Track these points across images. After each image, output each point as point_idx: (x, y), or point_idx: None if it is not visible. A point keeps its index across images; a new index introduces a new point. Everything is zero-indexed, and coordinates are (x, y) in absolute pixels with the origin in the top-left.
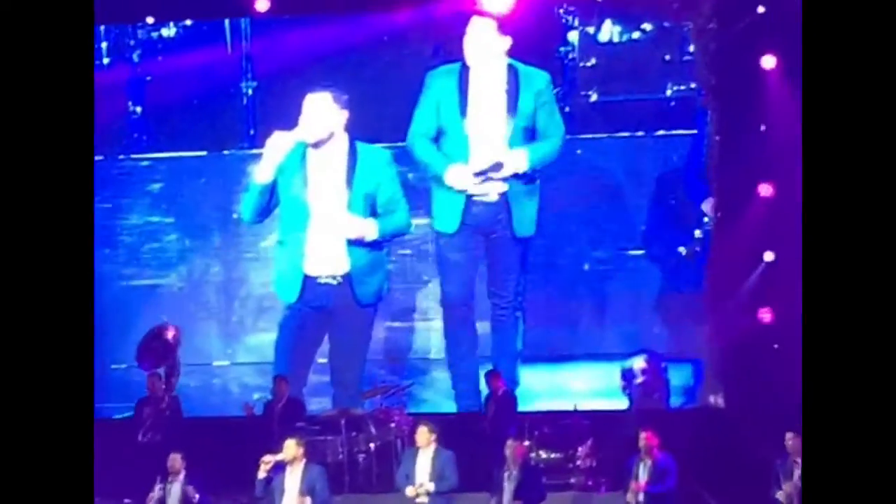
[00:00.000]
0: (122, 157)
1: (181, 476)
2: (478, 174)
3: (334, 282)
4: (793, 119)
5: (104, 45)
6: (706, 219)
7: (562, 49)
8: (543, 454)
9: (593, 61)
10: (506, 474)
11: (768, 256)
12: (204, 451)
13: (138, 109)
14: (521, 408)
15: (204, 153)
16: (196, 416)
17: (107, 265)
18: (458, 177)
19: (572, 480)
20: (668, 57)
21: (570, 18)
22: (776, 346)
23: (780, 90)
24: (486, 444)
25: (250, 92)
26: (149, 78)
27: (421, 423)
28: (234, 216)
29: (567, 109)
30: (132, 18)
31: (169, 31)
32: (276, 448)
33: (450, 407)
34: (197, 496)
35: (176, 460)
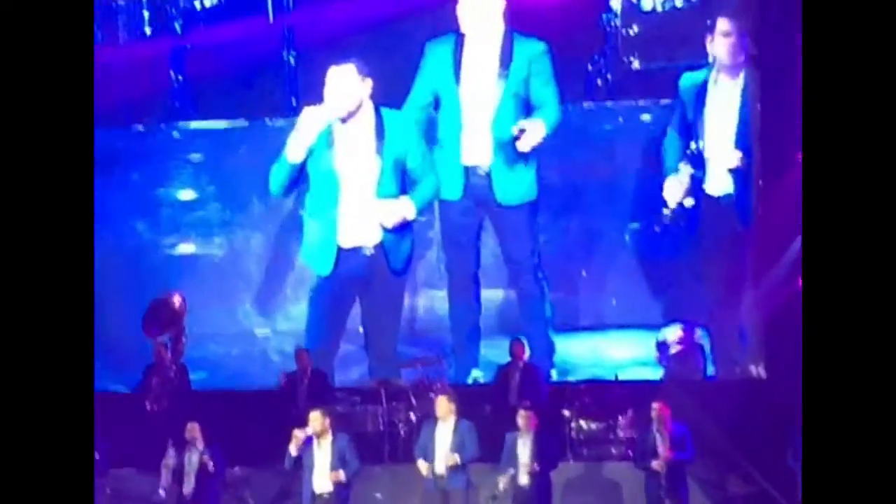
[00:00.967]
0: (163, 126)
1: (199, 446)
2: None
3: (368, 252)
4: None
5: (146, 14)
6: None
7: (604, 16)
8: (584, 424)
9: (635, 29)
10: (520, 442)
11: None
12: (226, 422)
13: (180, 79)
14: (561, 378)
15: (245, 123)
16: (235, 386)
17: (148, 234)
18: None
19: (613, 451)
20: (710, 23)
21: None
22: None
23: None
24: (508, 414)
25: (292, 61)
26: (190, 47)
27: (440, 393)
28: None
29: (609, 77)
30: None
31: (211, 1)
32: (302, 420)
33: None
34: (212, 465)
35: (194, 430)
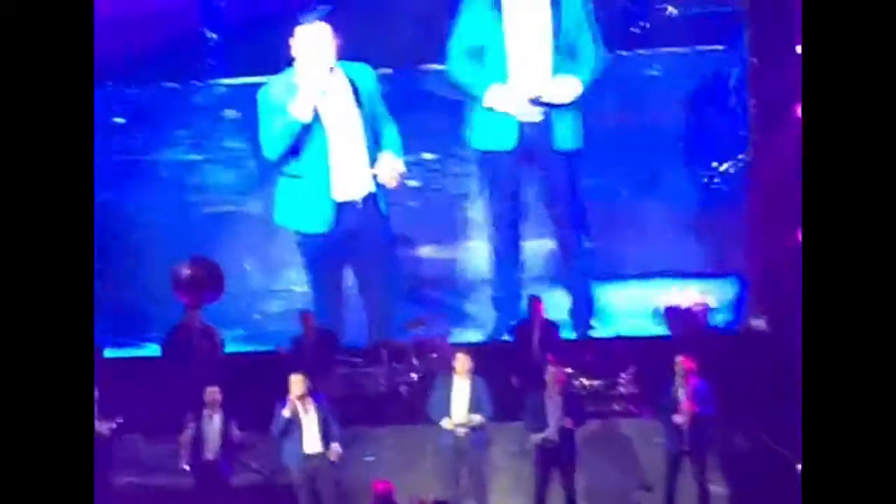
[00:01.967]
0: (197, 83)
1: (219, 410)
2: (533, 101)
3: (359, 205)
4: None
5: None
6: None
7: None
8: (586, 381)
9: None
10: (548, 400)
11: None
12: (231, 387)
13: (213, 36)
14: (604, 327)
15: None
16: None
17: (187, 193)
18: (500, 98)
19: (615, 407)
20: None
21: None
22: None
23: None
24: (527, 371)
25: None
26: (222, 2)
27: (460, 350)
28: None
29: (646, 25)
30: None
31: None
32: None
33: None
34: (237, 431)
35: (214, 393)
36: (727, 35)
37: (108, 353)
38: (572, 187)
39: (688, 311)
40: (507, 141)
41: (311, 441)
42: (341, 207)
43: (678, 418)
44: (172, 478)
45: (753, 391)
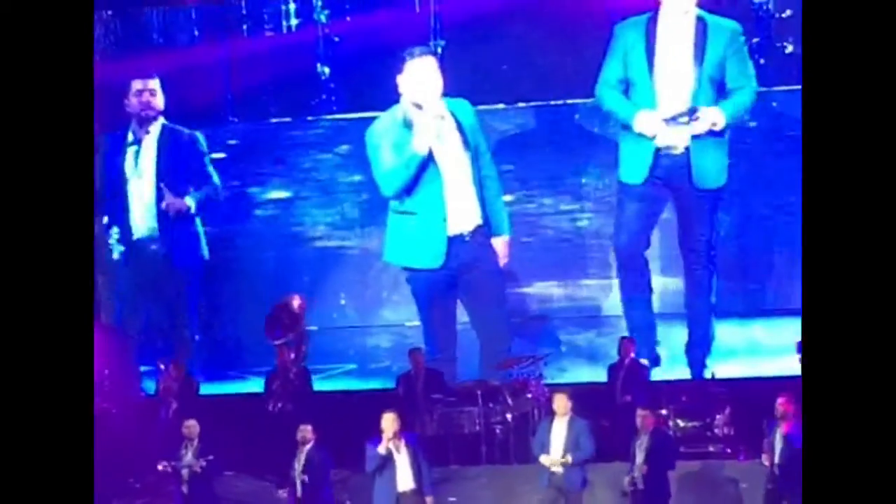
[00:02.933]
0: (310, 118)
1: (308, 446)
2: (669, 120)
3: (467, 238)
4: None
5: (292, 6)
6: None
7: (756, 0)
8: (681, 423)
9: (788, 12)
10: (637, 443)
11: None
12: (337, 424)
13: (326, 70)
14: (717, 364)
15: None
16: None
17: (302, 227)
18: (648, 122)
19: (710, 449)
20: None
21: None
22: None
23: None
24: (619, 413)
25: (439, 51)
26: (336, 38)
27: (558, 391)
28: None
29: (762, 61)
30: None
31: None
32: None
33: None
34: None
35: (306, 431)
36: None
37: (206, 388)
38: (711, 223)
39: None
40: (637, 174)
41: (404, 479)
42: (451, 241)
43: (765, 458)
44: None
45: None
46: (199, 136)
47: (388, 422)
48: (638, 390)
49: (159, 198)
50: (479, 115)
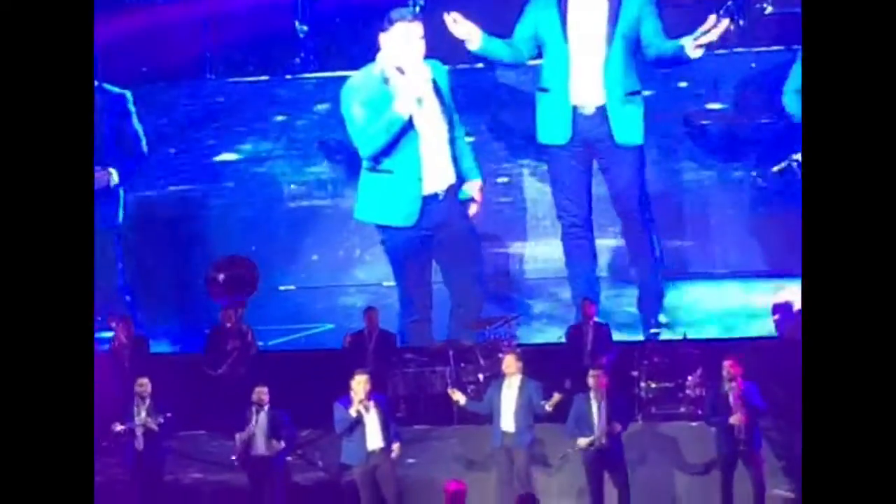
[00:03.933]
0: (288, 77)
1: (265, 409)
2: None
3: (441, 196)
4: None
5: None
6: None
7: None
8: (653, 384)
9: None
10: (593, 403)
11: None
12: (293, 384)
13: (305, 28)
14: (671, 329)
15: None
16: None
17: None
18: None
19: (682, 409)
20: None
21: None
22: None
23: None
24: (578, 374)
25: (417, 10)
26: None
27: (509, 351)
28: None
29: (741, 22)
30: None
31: None
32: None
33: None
34: (281, 429)
35: (262, 393)
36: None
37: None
38: (637, 183)
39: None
40: (561, 135)
41: (374, 438)
42: (426, 200)
43: (733, 419)
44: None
45: None
46: (128, 94)
47: (360, 384)
48: (608, 352)
49: None
50: (455, 74)
